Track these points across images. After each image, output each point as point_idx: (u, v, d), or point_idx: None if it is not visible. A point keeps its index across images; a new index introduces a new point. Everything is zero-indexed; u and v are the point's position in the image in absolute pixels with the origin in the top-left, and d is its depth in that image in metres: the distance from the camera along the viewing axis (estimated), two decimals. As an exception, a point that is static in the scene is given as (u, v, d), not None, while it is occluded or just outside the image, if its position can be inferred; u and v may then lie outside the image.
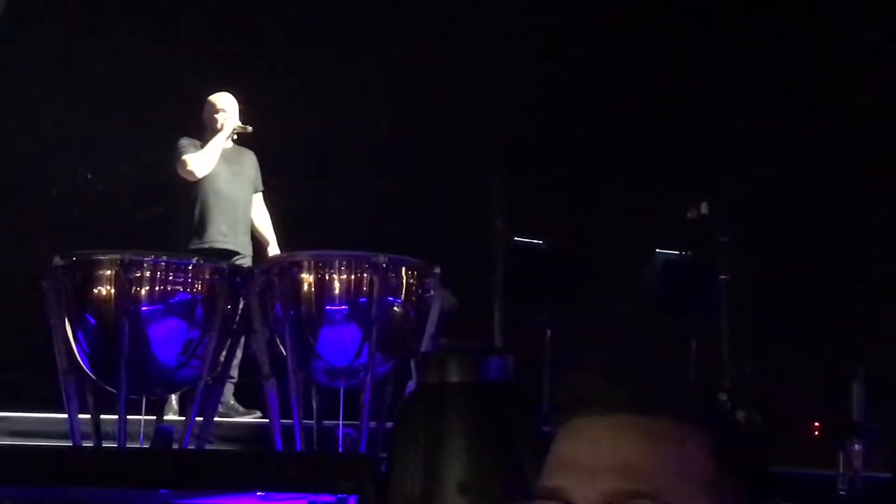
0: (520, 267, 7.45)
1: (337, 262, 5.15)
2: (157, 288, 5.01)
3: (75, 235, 7.59)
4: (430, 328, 5.37)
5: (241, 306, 5.24)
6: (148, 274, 5.00)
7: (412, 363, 3.46)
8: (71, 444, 5.03)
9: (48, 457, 4.34)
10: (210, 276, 5.12)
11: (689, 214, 3.49)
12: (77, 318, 5.03)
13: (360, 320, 5.09)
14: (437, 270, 5.38)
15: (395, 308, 5.21)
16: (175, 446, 5.09)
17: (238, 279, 5.18)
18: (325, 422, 5.48)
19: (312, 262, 5.15)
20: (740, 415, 3.02)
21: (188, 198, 6.90)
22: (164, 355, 5.05)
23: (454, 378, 3.41)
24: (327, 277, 5.12)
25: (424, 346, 5.33)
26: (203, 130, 7.03)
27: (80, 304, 5.03)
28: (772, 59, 8.03)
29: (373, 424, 5.16)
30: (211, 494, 4.54)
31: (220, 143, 6.90)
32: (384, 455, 4.13)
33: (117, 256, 4.99)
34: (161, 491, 4.22)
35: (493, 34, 6.36)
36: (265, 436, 5.42)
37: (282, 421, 5.16)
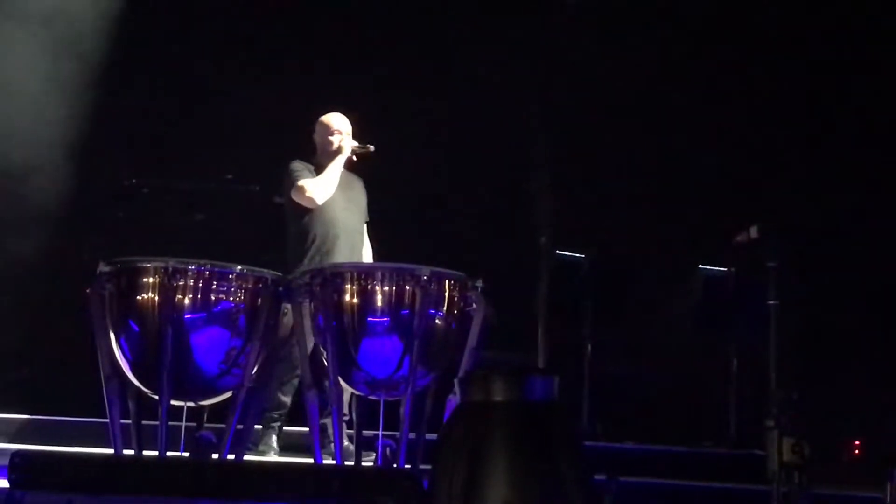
0: (562, 281, 7.43)
1: (379, 274, 5.15)
2: (200, 296, 5.02)
3: (120, 241, 7.60)
4: (472, 341, 5.36)
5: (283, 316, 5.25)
6: (191, 282, 5.01)
7: (456, 381, 3.45)
8: (112, 451, 5.05)
9: (90, 464, 4.36)
10: (253, 285, 5.12)
11: (738, 238, 3.45)
12: (121, 324, 5.05)
13: (402, 332, 5.09)
14: (480, 284, 5.37)
15: (437, 321, 5.20)
16: (215, 455, 5.09)
17: (281, 289, 5.18)
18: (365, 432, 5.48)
19: (355, 274, 5.15)
20: (787, 443, 3.00)
21: (301, 225, 6.63)
22: (205, 363, 5.06)
23: (498, 397, 3.41)
24: (370, 289, 5.12)
25: (465, 359, 5.32)
26: (313, 153, 6.78)
27: (124, 310, 5.04)
28: (828, 85, 7.98)
29: (412, 436, 5.14)
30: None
31: (340, 167, 6.63)
32: (424, 468, 4.12)
33: (161, 264, 5.00)
34: (200, 501, 4.21)
35: (541, 49, 6.35)
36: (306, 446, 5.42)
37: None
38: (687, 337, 8.15)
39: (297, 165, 6.62)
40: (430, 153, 7.41)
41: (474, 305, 5.31)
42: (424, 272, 5.13)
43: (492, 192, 7.56)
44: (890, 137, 7.62)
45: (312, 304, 5.17)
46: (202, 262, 5.09)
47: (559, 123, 5.37)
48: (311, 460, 5.25)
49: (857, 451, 7.57)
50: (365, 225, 6.88)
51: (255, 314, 5.10)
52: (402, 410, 5.09)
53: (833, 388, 7.79)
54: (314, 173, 6.58)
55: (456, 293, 5.27)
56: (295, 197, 6.54)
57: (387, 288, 5.13)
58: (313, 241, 6.55)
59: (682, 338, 8.13)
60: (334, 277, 5.12)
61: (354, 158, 6.69)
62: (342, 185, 6.63)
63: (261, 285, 5.13)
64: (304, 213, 6.56)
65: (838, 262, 7.82)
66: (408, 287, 5.12)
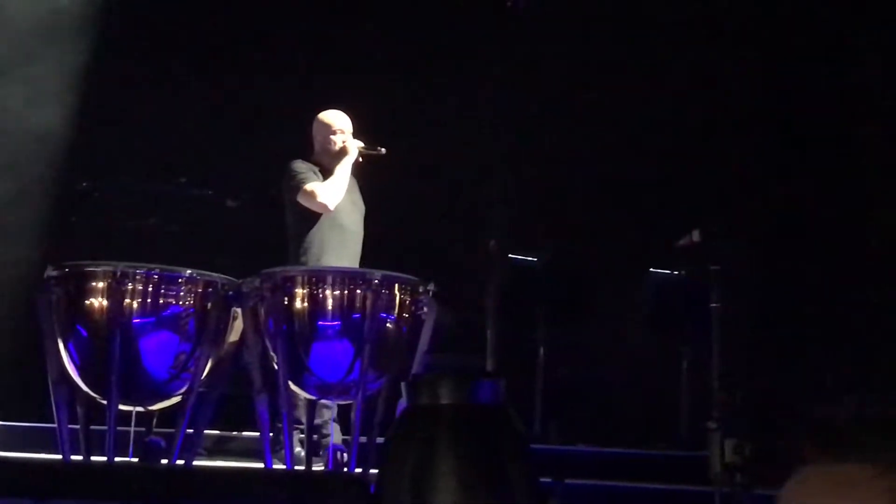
0: (515, 284, 7.45)
1: (330, 278, 5.15)
2: (149, 300, 5.00)
3: (69, 244, 7.54)
4: (423, 345, 5.37)
5: (234, 320, 5.24)
6: (140, 286, 4.99)
7: (403, 385, 3.46)
8: (60, 457, 5.01)
9: (37, 470, 4.33)
10: (203, 289, 5.10)
11: (681, 241, 3.48)
12: (69, 329, 5.02)
13: (353, 336, 5.08)
14: (432, 288, 5.37)
15: (388, 325, 5.20)
16: (164, 460, 5.07)
17: (231, 293, 5.17)
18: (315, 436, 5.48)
19: (306, 278, 5.14)
20: (730, 444, 3.02)
21: (304, 229, 6.31)
22: (154, 368, 5.04)
23: (445, 400, 3.42)
24: (320, 293, 5.11)
25: (417, 363, 5.33)
26: (311, 153, 6.49)
27: (72, 315, 5.01)
28: (767, 88, 8.06)
29: (363, 440, 5.15)
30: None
31: (348, 170, 6.33)
32: (375, 472, 4.12)
33: (110, 268, 4.97)
34: (149, 506, 4.19)
35: (491, 53, 6.38)
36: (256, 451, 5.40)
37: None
38: (639, 339, 8.19)
39: (301, 166, 6.30)
40: (382, 157, 7.40)
41: (426, 309, 5.32)
42: (375, 276, 5.13)
43: (443, 196, 7.56)
44: (836, 138, 7.70)
45: (263, 309, 5.15)
46: (151, 266, 5.07)
47: (511, 127, 5.39)
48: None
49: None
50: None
51: (204, 318, 5.07)
52: (352, 415, 5.08)
53: (785, 390, 7.86)
54: (319, 175, 6.30)
55: (407, 297, 5.27)
56: (303, 201, 6.23)
57: (338, 292, 5.13)
58: (319, 247, 6.27)
59: (634, 340, 8.18)
60: (285, 282, 5.11)
61: (360, 160, 6.43)
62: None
63: (210, 289, 5.11)
64: (310, 218, 6.27)
65: (787, 265, 7.90)
66: (359, 291, 5.11)
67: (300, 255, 6.25)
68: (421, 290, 5.32)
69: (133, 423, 5.16)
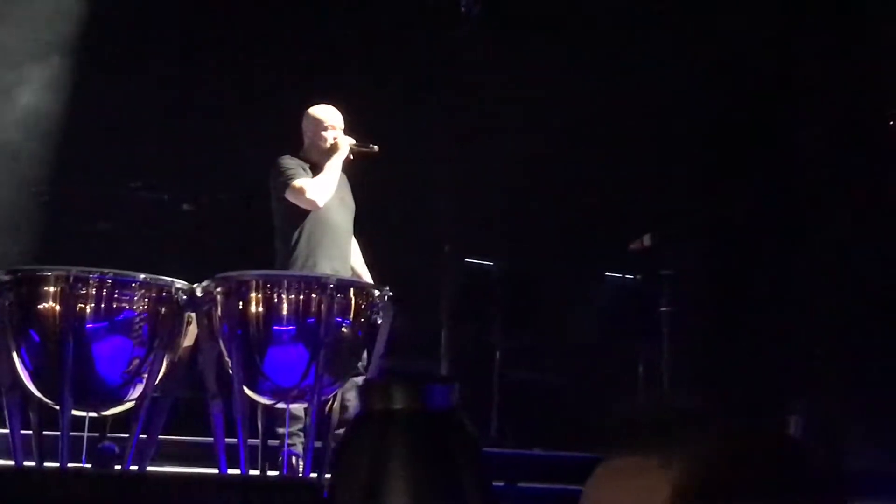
0: (470, 288, 7.47)
1: (286, 283, 5.14)
2: (102, 305, 4.97)
3: (21, 249, 7.48)
4: (379, 350, 5.38)
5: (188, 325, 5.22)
6: (93, 291, 4.96)
7: (355, 389, 3.45)
8: (13, 463, 4.98)
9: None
10: (156, 294, 5.08)
11: (632, 245, 3.50)
12: (21, 333, 4.98)
13: (308, 341, 5.08)
14: (387, 292, 5.38)
15: (344, 329, 5.20)
16: (117, 466, 5.04)
17: (185, 297, 5.14)
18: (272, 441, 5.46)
19: (261, 282, 5.13)
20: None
21: (292, 227, 6.07)
22: (108, 373, 5.02)
23: (398, 405, 3.41)
24: (275, 297, 5.10)
25: (372, 368, 5.34)
26: (300, 149, 6.29)
27: (25, 319, 4.98)
28: (718, 93, 8.14)
29: (318, 445, 5.14)
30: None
31: (339, 167, 6.10)
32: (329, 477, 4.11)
33: (62, 272, 4.95)
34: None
35: (442, 60, 6.41)
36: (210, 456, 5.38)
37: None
38: (595, 343, 8.22)
39: (290, 163, 6.08)
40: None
41: (381, 314, 5.32)
42: (331, 280, 5.13)
43: (397, 201, 7.55)
44: (785, 141, 7.77)
45: (217, 313, 5.13)
46: (104, 270, 5.04)
47: (464, 132, 5.42)
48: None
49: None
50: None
51: (158, 323, 5.05)
52: (307, 419, 5.08)
53: (733, 394, 7.94)
54: (308, 171, 6.10)
55: (363, 302, 5.28)
56: (291, 198, 5.99)
57: (293, 296, 5.12)
58: (307, 246, 6.04)
59: (591, 344, 8.21)
60: (239, 286, 5.10)
61: (351, 157, 6.23)
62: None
63: (164, 294, 5.08)
64: (301, 216, 6.04)
65: (739, 269, 7.97)
66: (314, 295, 5.11)
67: (288, 254, 6.05)
68: (377, 295, 5.33)
69: (86, 429, 5.13)
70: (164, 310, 5.07)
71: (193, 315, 5.17)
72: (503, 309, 7.34)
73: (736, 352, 8.35)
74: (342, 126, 6.25)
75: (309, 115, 6.34)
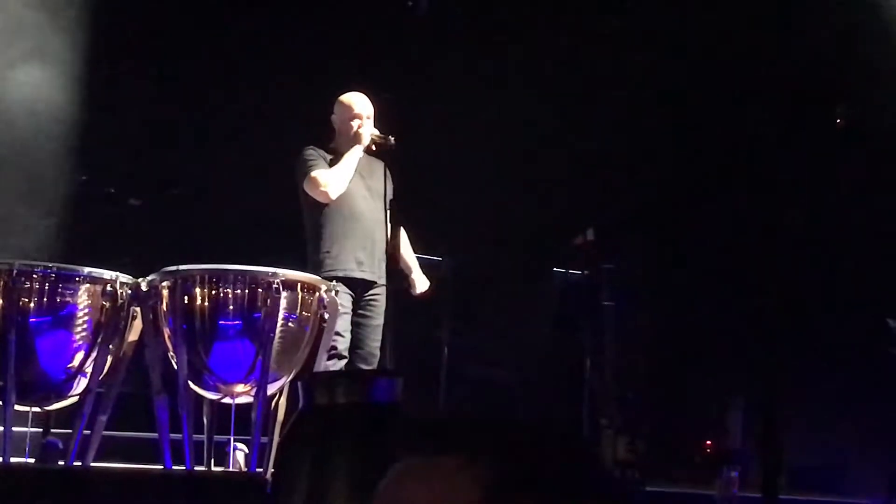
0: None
1: (232, 277, 5.11)
2: (45, 299, 4.92)
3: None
4: (326, 345, 5.37)
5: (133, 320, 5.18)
6: (37, 284, 4.91)
7: (299, 384, 3.46)
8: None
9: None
10: (101, 288, 5.04)
11: (576, 240, 3.51)
12: (-37, 328, 4.92)
13: (254, 336, 5.06)
14: (335, 287, 5.37)
15: (290, 324, 5.18)
16: (61, 461, 5.00)
17: (130, 292, 5.10)
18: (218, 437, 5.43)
19: (206, 277, 5.09)
20: (621, 441, 3.06)
21: (315, 218, 6.03)
22: (51, 368, 4.97)
23: (342, 399, 3.42)
24: (221, 292, 5.07)
25: (319, 363, 5.33)
26: (331, 138, 6.22)
27: (-34, 314, 4.92)
28: (662, 87, 8.20)
29: (264, 440, 5.12)
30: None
31: (356, 158, 6.01)
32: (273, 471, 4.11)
33: (6, 266, 4.89)
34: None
35: (391, 53, 6.40)
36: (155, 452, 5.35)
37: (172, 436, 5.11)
38: (543, 339, 8.25)
39: (311, 153, 6.04)
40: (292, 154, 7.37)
41: (328, 309, 5.31)
42: (278, 276, 5.10)
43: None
44: (729, 137, 7.83)
45: (163, 307, 5.09)
46: (48, 264, 4.99)
47: (411, 127, 5.40)
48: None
49: (708, 451, 7.78)
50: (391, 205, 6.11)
51: (102, 318, 5.01)
52: (253, 415, 5.05)
53: (687, 389, 8.03)
54: (329, 163, 6.03)
55: (310, 297, 5.26)
56: (307, 189, 5.96)
57: (239, 291, 5.09)
58: (331, 237, 6.01)
59: (539, 340, 8.24)
60: (185, 280, 5.07)
61: (374, 149, 6.09)
62: (362, 171, 6.03)
63: (109, 288, 5.04)
64: (321, 207, 5.99)
65: (685, 263, 8.03)
66: (260, 290, 5.08)
67: (315, 247, 6.02)
68: (324, 290, 5.31)
69: (29, 424, 5.08)
70: (108, 304, 5.02)
71: (139, 310, 5.13)
72: (451, 304, 7.34)
73: (678, 346, 8.46)
74: (371, 114, 6.13)
75: (339, 102, 6.26)
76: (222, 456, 5.40)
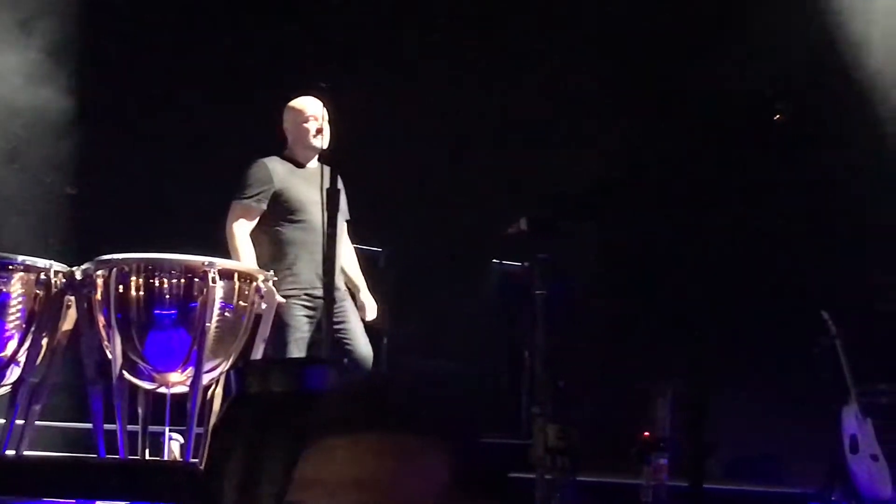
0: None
1: (167, 266, 5.08)
2: (-24, 288, 4.87)
3: None
4: (262, 335, 5.35)
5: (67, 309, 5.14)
6: (-32, 273, 4.86)
7: (232, 372, 3.45)
8: None
9: None
10: (35, 276, 4.99)
11: (510, 229, 3.54)
12: None
13: (189, 325, 5.03)
14: (271, 277, 5.35)
15: (227, 314, 5.16)
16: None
17: (65, 281, 5.06)
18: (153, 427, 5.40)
19: (142, 266, 5.06)
20: (552, 429, 3.09)
21: (271, 231, 5.79)
22: (-16, 357, 4.92)
23: (275, 388, 3.42)
24: (157, 281, 5.04)
25: (255, 352, 5.31)
26: (286, 146, 5.97)
27: None
28: (598, 76, 8.25)
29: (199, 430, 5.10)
30: (31, 501, 4.45)
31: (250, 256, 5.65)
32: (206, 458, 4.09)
33: (-64, 255, 4.84)
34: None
35: (322, 45, 6.39)
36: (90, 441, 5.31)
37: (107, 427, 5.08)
38: (482, 329, 8.28)
39: (256, 174, 5.77)
40: (229, 145, 7.31)
41: (265, 298, 5.30)
42: (214, 265, 5.08)
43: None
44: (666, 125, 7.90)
45: (97, 297, 5.06)
46: (-21, 252, 4.95)
47: (351, 118, 5.40)
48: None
49: (643, 440, 7.84)
50: (346, 224, 6.08)
51: (36, 307, 4.97)
52: (188, 405, 5.03)
53: (620, 377, 8.09)
54: (273, 180, 5.75)
55: (247, 287, 5.24)
56: (231, 207, 5.75)
57: (175, 281, 5.07)
58: (290, 252, 5.76)
59: (477, 330, 8.26)
60: (120, 269, 5.03)
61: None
62: (316, 181, 5.33)
63: (43, 277, 4.99)
64: (276, 217, 5.76)
65: (620, 252, 8.10)
66: (196, 280, 5.06)
67: (270, 258, 5.73)
68: (261, 280, 5.30)
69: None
70: (42, 293, 4.98)
71: (73, 299, 5.10)
72: (390, 295, 7.33)
73: (613, 334, 8.53)
74: (325, 116, 5.81)
75: (289, 107, 6.03)
76: (158, 446, 5.37)
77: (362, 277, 6.28)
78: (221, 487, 3.34)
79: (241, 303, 5.20)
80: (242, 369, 3.53)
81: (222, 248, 5.61)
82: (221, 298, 5.09)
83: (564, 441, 3.10)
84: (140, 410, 5.33)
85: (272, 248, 5.80)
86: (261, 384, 3.44)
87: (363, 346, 6.02)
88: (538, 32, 8.25)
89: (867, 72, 7.80)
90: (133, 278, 5.02)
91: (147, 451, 5.26)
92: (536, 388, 3.10)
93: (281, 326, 5.58)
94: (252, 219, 5.77)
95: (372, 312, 6.24)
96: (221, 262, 5.12)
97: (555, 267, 3.38)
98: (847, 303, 7.34)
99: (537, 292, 3.34)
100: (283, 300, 5.58)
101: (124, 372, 5.05)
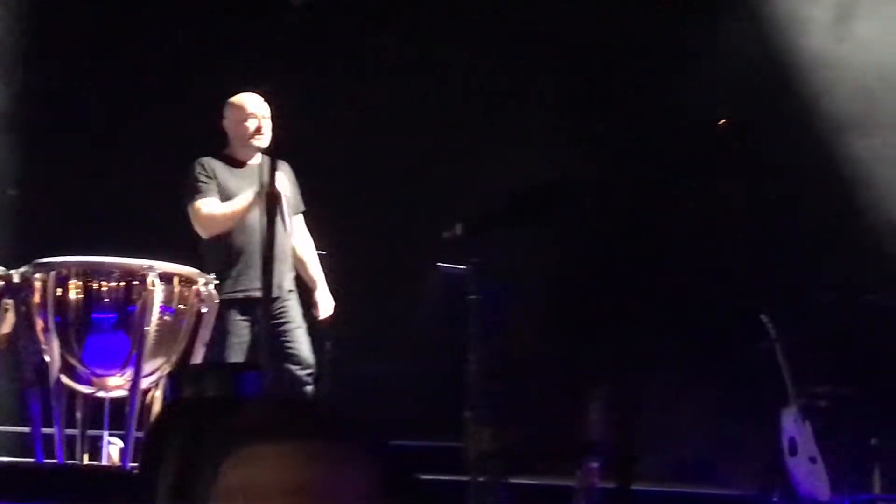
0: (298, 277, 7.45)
1: (106, 270, 5.05)
2: None
3: None
4: (202, 339, 5.33)
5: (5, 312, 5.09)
6: None
7: (166, 377, 3.45)
8: None
9: None
10: (-29, 280, 4.95)
11: (445, 234, 3.56)
12: None
13: (129, 329, 5.01)
14: (212, 280, 5.33)
15: (166, 317, 5.14)
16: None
17: (2, 283, 5.02)
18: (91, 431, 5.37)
19: (81, 269, 5.03)
20: (485, 432, 3.11)
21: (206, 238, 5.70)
22: (-82, 361, 4.88)
23: (210, 392, 3.42)
24: (96, 285, 5.02)
25: (195, 356, 5.29)
26: (225, 145, 5.83)
27: None
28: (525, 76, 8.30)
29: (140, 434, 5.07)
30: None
31: (247, 201, 5.45)
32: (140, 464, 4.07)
33: None
34: None
35: (269, 49, 6.36)
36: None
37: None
38: (426, 334, 8.29)
39: (200, 172, 5.62)
40: (160, 140, 7.26)
41: (205, 302, 5.28)
42: (154, 268, 5.06)
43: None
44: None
45: (35, 300, 5.01)
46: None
47: (292, 120, 5.39)
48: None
49: (577, 443, 7.90)
50: (299, 217, 6.00)
51: (-29, 310, 4.92)
52: (127, 409, 5.01)
53: (555, 380, 8.15)
54: (215, 177, 5.63)
55: (186, 289, 5.22)
56: (189, 215, 5.62)
57: (114, 284, 5.05)
58: (231, 252, 5.64)
59: (422, 335, 8.27)
60: (58, 272, 5.00)
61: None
62: (255, 180, 5.27)
63: (-20, 280, 4.95)
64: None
65: (555, 255, 8.14)
66: (136, 283, 5.04)
67: (214, 262, 5.57)
68: (202, 283, 5.28)
69: None
70: (-22, 296, 4.94)
71: (11, 302, 5.05)
72: (334, 298, 7.33)
73: (549, 336, 8.57)
74: (267, 114, 5.70)
75: (229, 104, 5.87)
76: (96, 450, 5.34)
77: (321, 273, 6.14)
78: (154, 493, 3.33)
79: (181, 306, 5.18)
80: (177, 374, 3.52)
81: (162, 251, 5.57)
82: (161, 302, 5.07)
83: (497, 444, 3.13)
84: (78, 414, 5.29)
85: (213, 252, 5.69)
86: (195, 389, 3.44)
87: (304, 350, 5.96)
88: (486, 35, 8.27)
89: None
90: (72, 281, 5.00)
91: (86, 456, 5.23)
92: (470, 391, 3.12)
93: (221, 331, 5.53)
94: (214, 205, 5.61)
95: (326, 310, 6.13)
96: (161, 266, 5.09)
97: (489, 271, 3.40)
98: (788, 306, 7.42)
99: (472, 296, 3.36)
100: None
101: (62, 376, 5.02)
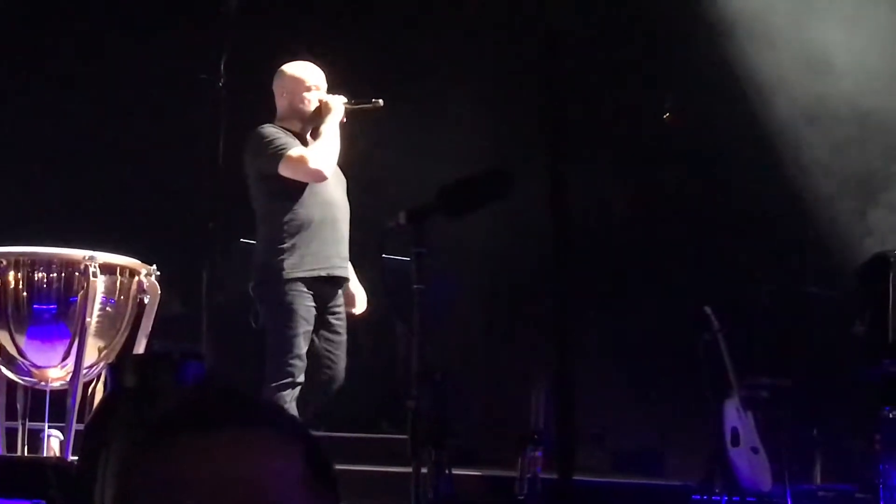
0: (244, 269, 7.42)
1: (46, 260, 5.00)
2: None
3: None
4: (145, 330, 5.29)
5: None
6: None
7: (107, 367, 3.42)
8: None
9: None
10: None
11: (389, 223, 3.55)
12: None
13: (69, 320, 4.96)
14: (154, 271, 5.29)
15: (108, 308, 5.09)
16: None
17: (-60, 274, 4.96)
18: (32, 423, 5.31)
19: (21, 259, 4.97)
20: (426, 422, 3.11)
21: (281, 209, 5.25)
22: None
23: (150, 382, 3.39)
24: (36, 275, 4.96)
25: (137, 347, 5.25)
26: (282, 118, 5.44)
27: None
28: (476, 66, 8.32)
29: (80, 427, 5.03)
30: None
31: (337, 129, 5.24)
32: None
33: None
34: None
35: (206, 47, 6.33)
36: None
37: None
38: (373, 323, 8.28)
39: (275, 132, 5.23)
40: (103, 137, 7.21)
41: (147, 293, 5.24)
42: (95, 259, 5.01)
43: (162, 176, 7.41)
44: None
45: (-26, 291, 4.96)
46: None
47: (235, 110, 5.37)
48: None
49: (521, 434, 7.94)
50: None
51: None
52: (68, 401, 4.96)
53: (498, 370, 8.19)
54: (296, 140, 5.25)
55: (128, 280, 5.18)
56: (288, 171, 5.14)
57: (54, 274, 4.99)
58: (309, 230, 5.25)
59: (368, 324, 8.26)
60: (-4, 263, 4.94)
61: (345, 120, 5.33)
62: None
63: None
64: (292, 192, 5.22)
65: (500, 245, 8.16)
66: (77, 274, 4.99)
67: (281, 237, 5.24)
68: (144, 274, 5.23)
69: None
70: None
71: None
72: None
73: (492, 328, 8.61)
74: (325, 86, 5.42)
75: (285, 74, 5.48)
76: (37, 443, 5.28)
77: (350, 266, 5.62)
78: (94, 485, 3.31)
79: (122, 297, 5.14)
80: (117, 364, 3.49)
81: (103, 241, 5.52)
82: (103, 293, 5.02)
83: (438, 434, 3.13)
84: (19, 406, 5.23)
85: (282, 229, 5.27)
86: (135, 379, 3.41)
87: (340, 369, 5.56)
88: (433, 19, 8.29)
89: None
90: (11, 272, 4.94)
91: (26, 448, 5.17)
92: (412, 381, 3.12)
93: (290, 314, 5.26)
94: (310, 147, 5.25)
95: (361, 305, 5.71)
96: (102, 256, 5.04)
97: (432, 262, 3.40)
98: (730, 298, 7.48)
99: (415, 286, 3.35)
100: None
101: (2, 367, 4.97)
